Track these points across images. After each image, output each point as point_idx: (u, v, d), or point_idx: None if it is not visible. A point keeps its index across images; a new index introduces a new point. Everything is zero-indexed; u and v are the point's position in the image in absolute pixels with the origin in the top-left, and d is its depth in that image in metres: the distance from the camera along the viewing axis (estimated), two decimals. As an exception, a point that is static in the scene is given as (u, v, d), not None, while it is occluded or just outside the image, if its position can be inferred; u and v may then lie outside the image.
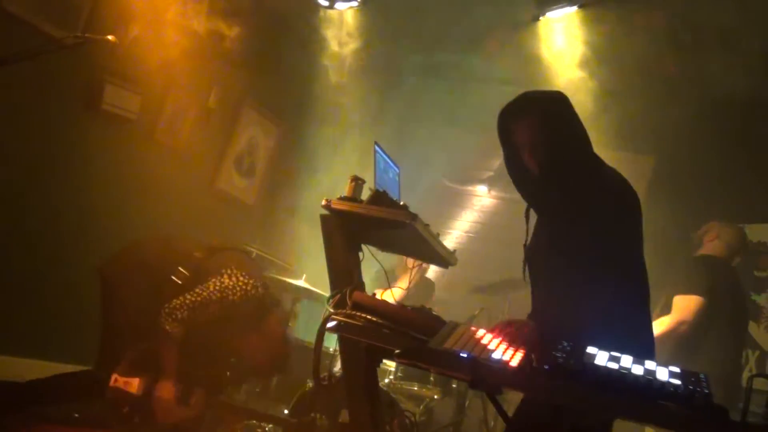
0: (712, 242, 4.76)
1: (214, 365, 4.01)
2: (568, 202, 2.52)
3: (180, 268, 3.74)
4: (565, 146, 2.56)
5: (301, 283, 5.40)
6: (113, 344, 3.73)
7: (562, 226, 2.55)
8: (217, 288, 3.66)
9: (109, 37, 3.20)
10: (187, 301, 3.59)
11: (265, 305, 3.89)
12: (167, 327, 3.55)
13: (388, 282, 4.20)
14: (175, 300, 3.58)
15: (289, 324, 4.12)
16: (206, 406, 3.95)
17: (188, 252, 3.86)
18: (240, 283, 3.71)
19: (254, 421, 5.10)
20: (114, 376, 3.62)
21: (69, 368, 4.33)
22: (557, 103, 2.65)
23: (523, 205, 2.80)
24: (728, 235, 4.80)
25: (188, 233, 4.51)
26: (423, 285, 6.12)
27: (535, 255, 2.71)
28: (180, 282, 3.69)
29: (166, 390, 3.67)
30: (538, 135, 2.58)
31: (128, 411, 3.69)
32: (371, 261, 3.14)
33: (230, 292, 3.68)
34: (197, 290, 3.63)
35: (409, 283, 4.30)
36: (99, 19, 4.68)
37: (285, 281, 5.41)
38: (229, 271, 3.73)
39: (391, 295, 4.38)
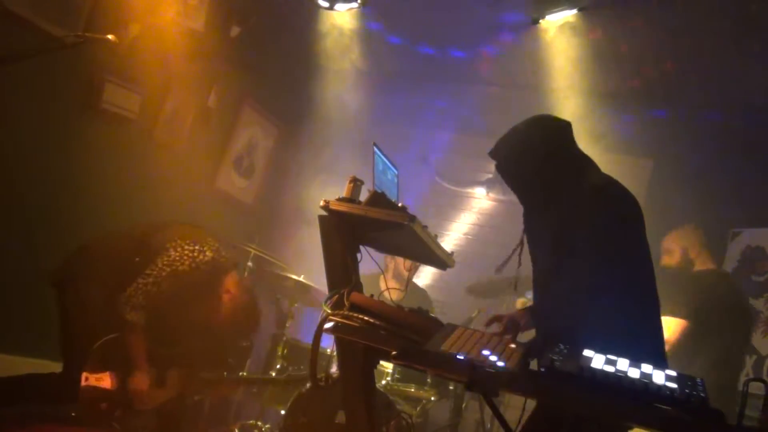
0: (701, 255, 4.75)
1: (183, 342, 4.00)
2: (550, 227, 2.58)
3: (130, 256, 3.73)
4: (525, 186, 2.77)
5: (302, 279, 5.40)
6: (76, 346, 3.70)
7: (548, 241, 2.60)
8: (165, 263, 3.66)
9: (109, 37, 3.21)
10: (140, 286, 3.59)
11: (219, 267, 3.86)
12: (128, 317, 3.56)
13: (386, 283, 4.21)
14: (128, 288, 3.58)
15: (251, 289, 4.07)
16: (184, 384, 3.96)
17: (133, 239, 3.84)
18: (186, 252, 3.71)
19: (252, 421, 5.12)
20: (84, 375, 3.61)
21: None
22: (504, 152, 2.80)
23: (520, 208, 2.84)
24: (696, 237, 4.79)
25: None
26: (414, 293, 6.09)
27: (534, 267, 2.73)
28: (131, 268, 3.67)
29: (140, 380, 3.69)
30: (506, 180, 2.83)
31: (107, 407, 3.69)
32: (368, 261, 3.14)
33: (178, 264, 3.68)
34: (147, 272, 3.63)
35: (407, 286, 4.30)
36: (99, 19, 4.68)
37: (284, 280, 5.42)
38: (173, 244, 3.72)
39: (389, 296, 4.38)
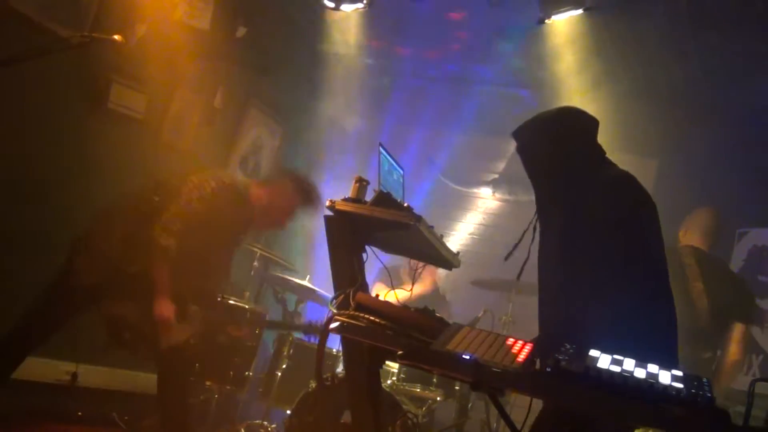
0: (686, 236, 4.66)
1: (206, 279, 4.07)
2: (562, 218, 2.58)
3: (148, 197, 3.87)
4: (537, 176, 2.75)
5: (305, 283, 5.41)
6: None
7: (561, 235, 2.59)
8: (191, 188, 3.80)
9: (116, 37, 3.21)
10: (174, 211, 3.70)
11: (238, 189, 4.02)
12: (162, 242, 3.63)
13: (391, 283, 4.20)
14: (164, 215, 3.68)
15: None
16: (203, 322, 3.99)
17: (148, 186, 3.97)
18: (209, 174, 3.89)
19: (258, 421, 5.13)
20: (107, 303, 3.65)
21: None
22: (528, 135, 2.79)
23: (526, 207, 2.84)
24: (696, 221, 4.71)
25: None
26: (434, 296, 6.11)
27: (542, 262, 2.71)
28: (151, 207, 3.78)
29: (165, 308, 3.72)
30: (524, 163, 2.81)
31: (130, 337, 3.73)
32: (374, 261, 3.15)
33: (205, 184, 3.83)
34: (176, 201, 3.75)
35: (412, 285, 4.29)
36: (106, 19, 4.70)
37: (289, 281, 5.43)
38: (193, 176, 3.87)
39: (395, 296, 4.38)
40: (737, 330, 4.44)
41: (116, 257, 3.71)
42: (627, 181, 2.62)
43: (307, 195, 4.14)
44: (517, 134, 2.82)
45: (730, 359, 4.41)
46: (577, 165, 2.68)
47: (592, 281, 2.38)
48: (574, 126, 2.78)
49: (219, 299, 4.49)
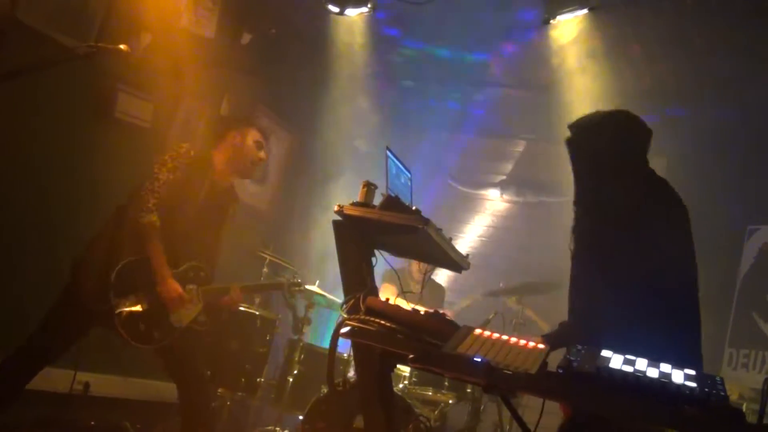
0: None
1: (197, 258, 4.05)
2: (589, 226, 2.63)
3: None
4: (582, 171, 2.78)
5: (314, 288, 5.41)
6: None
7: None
8: (159, 166, 3.85)
9: (122, 47, 3.22)
10: (146, 190, 3.76)
11: (203, 155, 4.06)
12: (143, 220, 3.69)
13: (401, 286, 4.20)
14: (137, 199, 3.74)
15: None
16: (200, 299, 4.01)
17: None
18: (172, 154, 3.91)
19: (270, 427, 5.13)
20: (115, 302, 3.64)
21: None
22: (581, 133, 2.81)
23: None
24: None
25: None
26: (432, 289, 6.11)
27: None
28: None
29: (171, 286, 3.76)
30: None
31: (145, 328, 3.74)
32: (382, 264, 3.15)
33: (168, 154, 3.90)
34: (147, 183, 3.80)
35: (422, 289, 4.30)
36: (111, 29, 4.72)
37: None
38: (161, 157, 3.92)
39: (404, 300, 4.38)
40: None
41: (111, 255, 3.73)
42: (667, 189, 2.75)
43: (246, 124, 4.24)
44: (573, 126, 2.84)
45: None
46: (627, 169, 2.73)
47: (616, 279, 2.40)
48: (635, 132, 2.81)
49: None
